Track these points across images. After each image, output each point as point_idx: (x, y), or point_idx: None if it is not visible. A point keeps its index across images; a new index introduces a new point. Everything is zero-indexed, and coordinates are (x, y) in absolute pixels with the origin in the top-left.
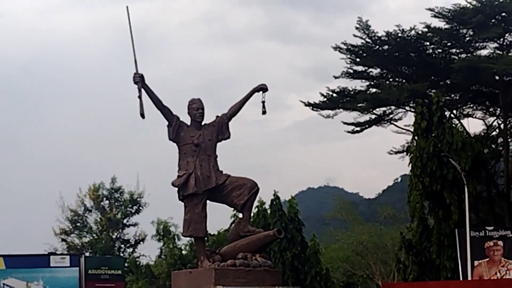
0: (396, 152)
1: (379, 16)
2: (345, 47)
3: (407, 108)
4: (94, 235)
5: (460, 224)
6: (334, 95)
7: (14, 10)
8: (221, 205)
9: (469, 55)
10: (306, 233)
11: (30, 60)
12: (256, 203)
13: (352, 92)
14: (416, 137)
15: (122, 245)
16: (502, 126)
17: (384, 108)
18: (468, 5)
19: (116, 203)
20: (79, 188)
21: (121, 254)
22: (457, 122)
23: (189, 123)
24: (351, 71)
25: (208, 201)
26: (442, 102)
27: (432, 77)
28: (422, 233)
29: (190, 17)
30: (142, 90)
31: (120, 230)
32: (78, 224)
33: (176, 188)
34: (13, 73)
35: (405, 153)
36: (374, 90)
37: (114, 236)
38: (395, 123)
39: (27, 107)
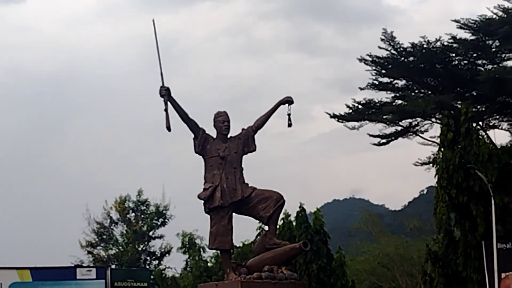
0: (422, 164)
1: (404, 28)
2: (371, 59)
3: (433, 119)
4: (120, 247)
5: (486, 236)
6: (360, 106)
7: (40, 24)
8: (247, 217)
9: (495, 66)
10: (332, 245)
11: (57, 73)
12: (281, 216)
13: (378, 104)
14: (442, 149)
15: (148, 258)
16: None
17: (410, 120)
18: (494, 16)
19: (142, 216)
20: (105, 201)
21: (147, 267)
22: (483, 133)
23: (215, 136)
24: (377, 83)
25: (234, 214)
26: (471, 113)
27: (458, 89)
28: (448, 245)
29: (215, 30)
30: (168, 103)
31: (146, 243)
32: (104, 237)
33: (202, 201)
34: (40, 87)
35: (431, 164)
36: (400, 101)
37: (140, 249)
38: (421, 134)
39: (53, 121)
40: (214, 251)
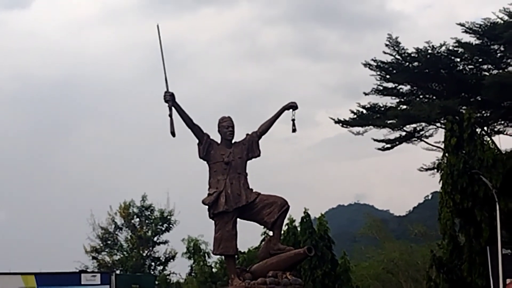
0: (427, 169)
1: (408, 33)
2: (375, 64)
3: (438, 125)
4: (125, 252)
5: (491, 241)
6: (364, 111)
7: (44, 29)
8: (251, 223)
9: (500, 71)
10: (337, 250)
11: (61, 79)
12: (286, 221)
13: (382, 109)
14: (446, 154)
15: (153, 263)
16: None
17: (414, 125)
18: (499, 20)
19: (147, 221)
20: (109, 206)
21: (152, 272)
22: (488, 138)
23: (219, 141)
24: (381, 88)
25: (238, 219)
26: (474, 118)
27: (463, 94)
28: (453, 250)
29: (219, 36)
30: (173, 108)
31: (151, 248)
32: (109, 242)
33: (207, 206)
34: (45, 92)
35: (435, 170)
36: (404, 106)
37: (144, 254)
38: (425, 140)
39: (58, 126)
40: (218, 256)
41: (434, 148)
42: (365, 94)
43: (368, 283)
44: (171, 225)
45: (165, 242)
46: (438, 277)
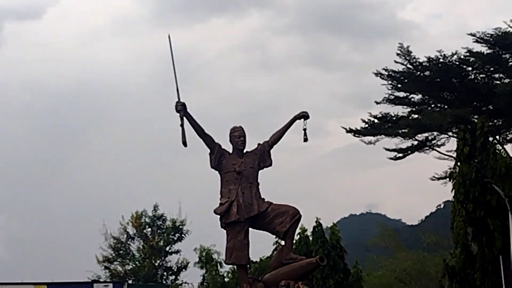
0: (439, 178)
1: (419, 42)
2: (386, 73)
3: (450, 134)
4: (137, 262)
5: (504, 250)
6: (376, 121)
7: (57, 40)
8: (263, 232)
9: None
10: (349, 260)
11: (73, 89)
12: (298, 230)
13: (394, 118)
14: (459, 163)
15: (165, 273)
16: None
17: (426, 134)
18: (510, 29)
19: (159, 231)
20: (121, 216)
21: (164, 282)
22: (500, 147)
23: (231, 151)
24: (393, 97)
25: (250, 229)
26: (487, 127)
27: (475, 103)
28: (465, 260)
29: (230, 46)
30: (184, 118)
31: (163, 258)
32: (121, 252)
33: (218, 216)
34: (56, 102)
35: (447, 179)
36: (416, 116)
37: (156, 264)
38: (437, 149)
39: (69, 136)
40: (230, 266)
41: (446, 157)
42: (377, 103)
43: None
44: (183, 235)
45: (177, 252)
46: (450, 287)
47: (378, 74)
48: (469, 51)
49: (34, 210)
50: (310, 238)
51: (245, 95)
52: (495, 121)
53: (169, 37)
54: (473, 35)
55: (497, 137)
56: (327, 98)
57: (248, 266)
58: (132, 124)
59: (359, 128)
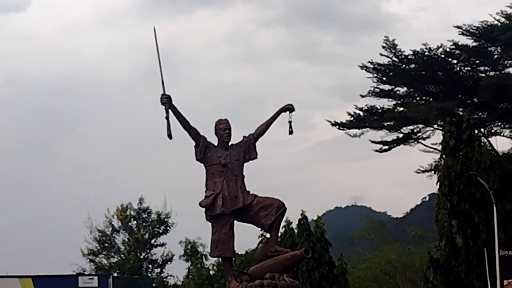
0: (424, 171)
1: (403, 35)
2: (372, 66)
3: (435, 126)
4: (122, 255)
5: (488, 243)
6: (361, 113)
7: (41, 32)
8: (248, 225)
9: (497, 73)
10: (334, 252)
11: (57, 82)
12: (283, 223)
13: (379, 111)
14: (444, 156)
15: (150, 265)
16: None
17: (411, 127)
18: (496, 22)
19: (144, 224)
20: (107, 209)
21: (149, 274)
22: (485, 140)
23: (216, 144)
24: (378, 90)
25: (235, 221)
26: (472, 120)
27: (460, 95)
28: (450, 252)
29: (215, 38)
30: (170, 111)
31: (148, 250)
32: (106, 245)
33: (204, 209)
34: (42, 94)
35: (433, 171)
36: (401, 108)
37: (142, 256)
38: (422, 141)
39: (54, 129)
40: (216, 259)
41: (431, 150)
42: (362, 96)
43: (365, 285)
44: (168, 228)
45: (163, 245)
46: (435, 279)
47: (363, 67)
48: (455, 44)
49: (18, 204)
50: (295, 231)
51: (230, 87)
52: (480, 114)
53: (154, 29)
54: (459, 27)
55: (482, 130)
56: (313, 90)
57: (233, 259)
58: (117, 116)
59: (344, 121)
